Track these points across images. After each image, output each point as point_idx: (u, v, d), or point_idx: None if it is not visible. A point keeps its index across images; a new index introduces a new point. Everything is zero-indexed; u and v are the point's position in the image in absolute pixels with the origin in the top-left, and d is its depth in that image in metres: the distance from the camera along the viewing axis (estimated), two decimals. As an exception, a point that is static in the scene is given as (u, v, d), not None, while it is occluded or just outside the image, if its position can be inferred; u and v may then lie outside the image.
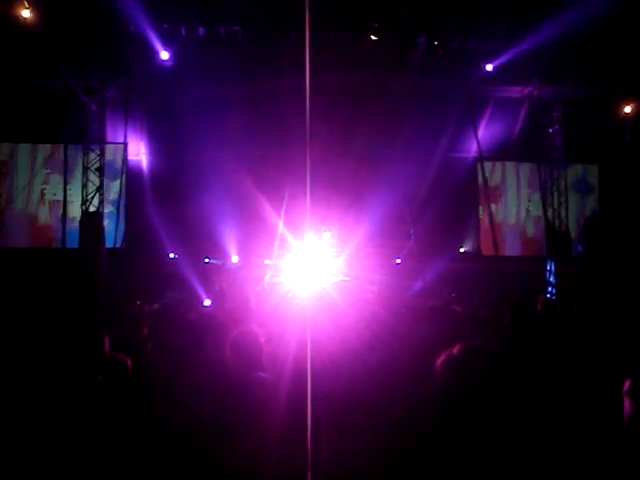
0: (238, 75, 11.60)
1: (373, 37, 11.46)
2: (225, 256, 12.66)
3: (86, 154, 11.42)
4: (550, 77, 12.04)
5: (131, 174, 13.08)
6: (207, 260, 12.61)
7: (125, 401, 2.80)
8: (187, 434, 2.58)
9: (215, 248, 12.49)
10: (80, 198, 11.47)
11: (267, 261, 12.01)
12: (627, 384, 2.17)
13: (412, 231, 13.08)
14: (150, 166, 13.09)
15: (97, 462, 2.41)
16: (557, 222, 12.55)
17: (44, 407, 2.51)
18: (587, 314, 5.31)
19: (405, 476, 2.06)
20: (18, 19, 10.02)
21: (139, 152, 13.11)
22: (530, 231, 14.23)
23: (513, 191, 14.36)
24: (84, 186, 11.38)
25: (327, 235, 12.06)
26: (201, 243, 12.32)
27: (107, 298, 10.05)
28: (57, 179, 12.92)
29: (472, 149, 13.96)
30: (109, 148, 12.33)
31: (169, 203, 11.97)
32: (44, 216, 12.98)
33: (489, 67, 12.15)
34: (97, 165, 11.38)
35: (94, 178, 11.38)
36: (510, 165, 14.32)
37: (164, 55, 11.58)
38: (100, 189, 11.36)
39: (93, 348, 2.83)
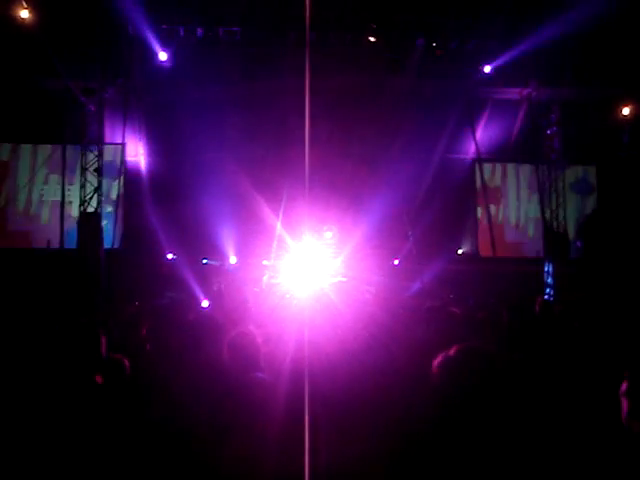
0: (237, 76, 11.60)
1: (372, 38, 11.48)
2: (223, 257, 12.64)
3: (84, 155, 11.41)
4: (548, 79, 12.07)
5: (129, 175, 13.07)
6: (205, 261, 12.59)
7: (123, 402, 2.80)
8: (185, 435, 2.58)
9: (213, 249, 12.46)
10: (79, 199, 11.47)
11: (265, 262, 11.97)
12: (625, 385, 2.17)
13: (410, 232, 13.07)
14: (148, 167, 13.06)
15: (95, 463, 2.41)
16: (555, 223, 12.56)
17: (41, 408, 2.51)
18: (585, 315, 5.31)
19: (402, 477, 2.06)
20: (17, 20, 10.03)
21: (137, 153, 13.09)
22: (530, 232, 14.24)
23: (513, 192, 14.37)
24: (82, 186, 11.37)
25: (328, 235, 12.02)
26: (199, 244, 12.30)
27: (105, 298, 10.04)
28: (56, 179, 12.92)
29: (470, 150, 13.95)
30: (107, 149, 12.30)
31: (167, 204, 11.95)
32: (43, 216, 12.97)
33: (487, 69, 12.19)
34: (95, 166, 11.37)
35: (92, 179, 11.37)
36: (510, 166, 14.32)
37: (162, 56, 11.59)
38: (98, 190, 11.35)
39: (90, 348, 2.83)
